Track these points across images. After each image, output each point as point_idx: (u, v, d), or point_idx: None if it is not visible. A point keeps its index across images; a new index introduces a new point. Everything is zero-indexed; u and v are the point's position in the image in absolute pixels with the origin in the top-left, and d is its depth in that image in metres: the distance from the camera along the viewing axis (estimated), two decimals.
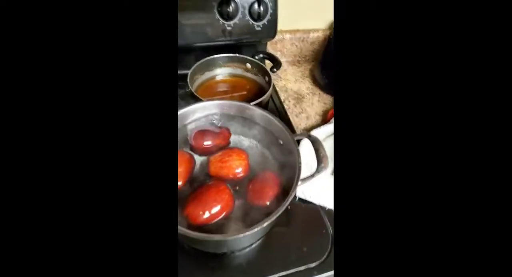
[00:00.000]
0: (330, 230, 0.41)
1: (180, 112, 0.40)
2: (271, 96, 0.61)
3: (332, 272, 0.38)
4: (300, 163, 0.34)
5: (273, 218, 0.30)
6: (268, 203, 0.34)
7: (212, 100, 0.43)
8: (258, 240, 0.39)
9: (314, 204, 0.43)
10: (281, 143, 0.40)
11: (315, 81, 0.67)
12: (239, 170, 0.36)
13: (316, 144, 0.37)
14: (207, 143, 0.39)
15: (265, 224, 0.30)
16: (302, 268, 0.37)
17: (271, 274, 0.36)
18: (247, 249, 0.38)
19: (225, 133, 0.41)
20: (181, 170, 0.35)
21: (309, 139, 0.39)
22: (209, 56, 0.56)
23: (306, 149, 0.46)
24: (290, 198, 0.31)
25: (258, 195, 0.34)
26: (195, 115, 0.43)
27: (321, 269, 0.37)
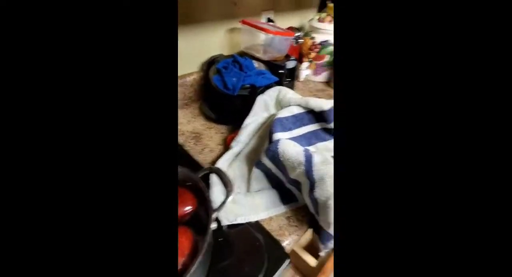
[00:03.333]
0: (261, 238, 0.45)
1: None
2: None
3: (277, 275, 0.41)
4: (209, 196, 0.37)
5: (199, 259, 0.31)
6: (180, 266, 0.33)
7: None
8: None
9: (241, 224, 0.47)
10: (190, 184, 0.42)
11: (206, 117, 0.73)
12: None
13: (219, 173, 0.42)
14: None
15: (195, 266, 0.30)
16: None
17: None
18: None
19: None
20: None
21: (210, 172, 0.43)
22: None
23: (217, 179, 0.49)
24: (210, 230, 0.33)
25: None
26: None
27: (268, 275, 0.40)
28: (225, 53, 0.80)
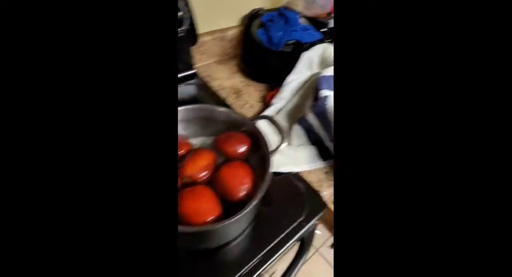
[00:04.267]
0: (302, 187, 0.48)
1: None
2: (212, 96, 0.65)
3: (315, 220, 0.45)
4: (265, 140, 0.40)
5: (256, 199, 0.33)
6: (242, 192, 0.37)
7: None
8: (249, 226, 0.42)
9: (283, 173, 0.50)
10: (243, 130, 0.45)
11: (245, 74, 0.74)
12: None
13: (273, 121, 0.44)
14: None
15: (254, 203, 0.33)
16: (294, 225, 0.43)
17: (271, 242, 0.41)
18: (242, 235, 0.42)
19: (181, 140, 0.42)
20: None
21: (265, 118, 0.44)
22: None
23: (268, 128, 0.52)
24: (268, 176, 0.36)
25: (232, 188, 0.37)
26: None
27: (308, 219, 0.44)
28: (267, 7, 0.77)
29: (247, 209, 0.32)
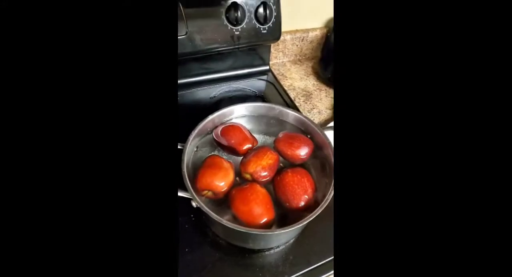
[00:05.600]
0: None
1: (208, 118, 0.41)
2: (280, 95, 0.64)
3: None
4: (333, 150, 0.36)
5: (317, 213, 0.31)
6: (303, 202, 0.35)
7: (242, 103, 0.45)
8: (296, 236, 0.40)
9: None
10: (309, 136, 0.42)
11: (319, 77, 0.70)
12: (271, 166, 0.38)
13: None
14: (232, 141, 0.40)
15: (308, 221, 0.31)
16: None
17: (318, 262, 0.38)
18: (290, 242, 0.40)
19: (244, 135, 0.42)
20: (231, 177, 0.37)
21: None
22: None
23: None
24: (332, 191, 0.33)
25: (293, 196, 0.36)
26: (223, 120, 0.44)
27: None
28: None
29: (305, 223, 0.30)
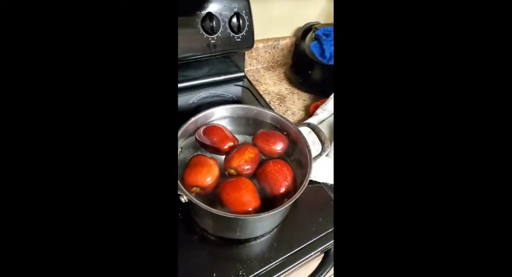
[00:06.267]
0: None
1: (191, 120, 0.44)
2: (256, 99, 0.68)
3: None
4: (309, 147, 0.41)
5: (296, 196, 0.35)
6: (284, 188, 0.39)
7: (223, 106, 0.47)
8: (278, 225, 0.43)
9: (317, 182, 0.50)
10: (285, 134, 0.46)
11: (291, 82, 0.76)
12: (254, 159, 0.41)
13: (316, 129, 0.45)
14: (215, 139, 0.42)
15: (290, 203, 0.34)
16: (323, 234, 0.43)
17: (300, 245, 0.41)
18: (274, 231, 0.43)
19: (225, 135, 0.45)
20: (216, 172, 0.39)
21: (308, 126, 0.46)
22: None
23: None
24: (308, 178, 0.37)
25: (275, 182, 0.40)
26: (205, 122, 0.47)
27: None
28: (322, 21, 0.79)
29: (287, 205, 0.34)
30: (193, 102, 0.65)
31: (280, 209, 0.33)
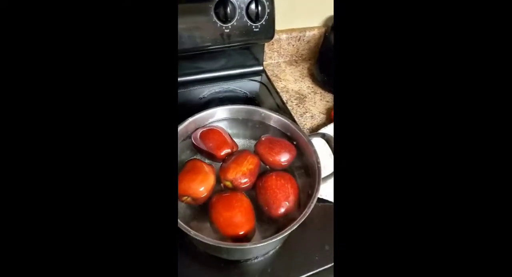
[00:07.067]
0: None
1: (189, 120, 0.39)
2: (273, 97, 0.61)
3: None
4: (319, 163, 0.34)
5: (300, 221, 0.29)
6: (283, 209, 0.33)
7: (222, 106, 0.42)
8: (275, 247, 0.38)
9: (328, 202, 0.43)
10: (295, 143, 0.40)
11: (314, 80, 0.67)
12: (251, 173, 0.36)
13: (331, 142, 0.37)
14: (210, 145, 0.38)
15: (287, 233, 0.29)
16: (327, 266, 0.36)
17: (299, 275, 0.35)
18: (269, 253, 0.37)
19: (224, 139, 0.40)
20: (211, 182, 0.34)
21: (323, 138, 0.38)
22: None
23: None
24: (315, 200, 0.31)
25: (274, 201, 0.34)
26: (205, 123, 0.42)
27: None
28: None
29: (285, 234, 0.28)
30: (203, 97, 0.60)
31: (272, 240, 0.28)
